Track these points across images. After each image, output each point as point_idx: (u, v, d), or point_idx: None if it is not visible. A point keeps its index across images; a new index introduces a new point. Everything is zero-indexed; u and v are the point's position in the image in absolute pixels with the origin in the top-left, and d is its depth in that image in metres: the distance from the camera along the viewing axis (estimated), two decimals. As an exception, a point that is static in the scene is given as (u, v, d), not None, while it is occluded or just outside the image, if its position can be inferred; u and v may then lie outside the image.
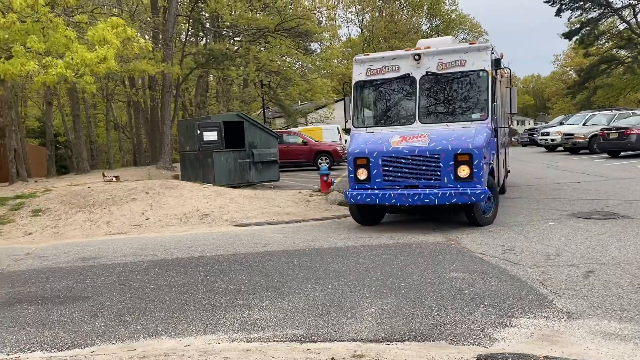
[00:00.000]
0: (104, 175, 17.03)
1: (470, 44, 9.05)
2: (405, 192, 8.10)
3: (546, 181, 13.59)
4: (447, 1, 48.13)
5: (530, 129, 33.63)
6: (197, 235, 9.16)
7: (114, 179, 15.63)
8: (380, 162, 8.32)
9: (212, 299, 5.47)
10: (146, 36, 21.11)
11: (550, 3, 37.60)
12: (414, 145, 8.24)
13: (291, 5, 22.31)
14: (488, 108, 8.48)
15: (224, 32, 25.50)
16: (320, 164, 20.52)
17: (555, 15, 37.72)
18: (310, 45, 28.34)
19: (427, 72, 8.82)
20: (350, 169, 8.49)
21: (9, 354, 4.29)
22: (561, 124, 26.86)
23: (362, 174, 8.37)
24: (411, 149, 8.22)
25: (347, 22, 48.54)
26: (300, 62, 26.81)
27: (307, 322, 4.64)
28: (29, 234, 9.91)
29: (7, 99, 15.65)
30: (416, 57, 8.82)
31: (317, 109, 36.67)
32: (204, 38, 30.93)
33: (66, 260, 7.69)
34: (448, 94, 8.82)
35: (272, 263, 6.89)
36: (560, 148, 23.84)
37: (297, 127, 28.81)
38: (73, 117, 24.55)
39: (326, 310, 4.92)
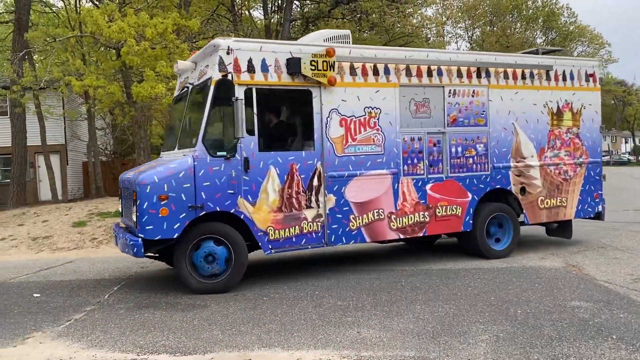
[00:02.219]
0: None
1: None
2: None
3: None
4: (565, 13, 45.82)
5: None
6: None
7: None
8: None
9: (321, 314, 5.59)
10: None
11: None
12: (126, 177, 7.32)
13: (399, 23, 22.48)
14: (200, 131, 6.59)
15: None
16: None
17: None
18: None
19: (188, 85, 7.54)
20: None
21: (139, 355, 4.59)
22: None
23: None
24: (124, 180, 7.45)
25: (456, 38, 47.81)
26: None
27: (418, 344, 4.62)
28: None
29: (138, 119, 17.16)
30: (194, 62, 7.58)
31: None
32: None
33: None
34: (197, 111, 7.16)
35: (380, 282, 6.93)
36: None
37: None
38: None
39: (437, 333, 4.88)
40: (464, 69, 8.06)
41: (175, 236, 6.44)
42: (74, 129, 25.77)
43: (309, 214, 7.07)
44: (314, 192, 7.10)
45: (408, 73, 7.67)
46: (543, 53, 9.25)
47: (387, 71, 7.53)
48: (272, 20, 23.45)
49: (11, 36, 19.92)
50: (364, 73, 7.40)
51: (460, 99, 8.05)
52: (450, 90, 7.97)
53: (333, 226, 7.21)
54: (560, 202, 8.80)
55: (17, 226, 12.98)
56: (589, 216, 9.24)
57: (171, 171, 6.48)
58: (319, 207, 7.12)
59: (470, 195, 8.12)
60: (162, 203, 6.37)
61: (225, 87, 6.64)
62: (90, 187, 23.30)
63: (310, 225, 7.08)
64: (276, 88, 6.94)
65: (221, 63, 6.62)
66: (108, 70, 15.89)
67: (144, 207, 6.35)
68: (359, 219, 7.36)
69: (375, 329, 5.08)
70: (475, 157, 8.17)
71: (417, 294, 6.30)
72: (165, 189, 6.39)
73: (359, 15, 21.57)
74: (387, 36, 23.10)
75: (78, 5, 20.81)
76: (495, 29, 43.91)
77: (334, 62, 7.11)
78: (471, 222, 8.14)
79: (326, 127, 7.16)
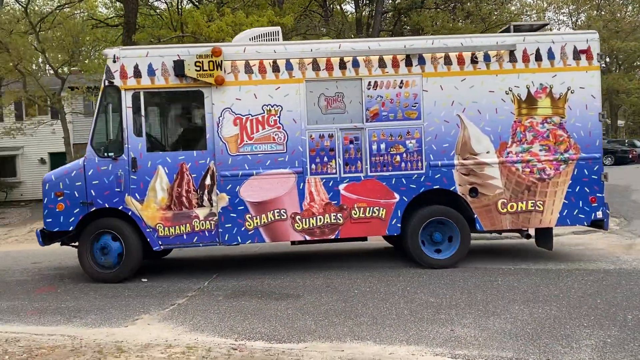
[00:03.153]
0: None
1: None
2: None
3: None
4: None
5: None
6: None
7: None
8: None
9: (413, 310, 5.56)
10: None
11: None
12: None
13: (496, 11, 20.17)
14: (89, 134, 7.22)
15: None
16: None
17: None
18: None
19: None
20: None
21: (236, 340, 4.86)
22: None
23: None
24: None
25: (559, 24, 41.10)
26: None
27: (516, 345, 4.51)
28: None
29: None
30: None
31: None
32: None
33: (280, 257, 8.73)
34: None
35: (474, 280, 6.74)
36: None
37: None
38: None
39: (537, 335, 4.74)
40: (388, 58, 7.29)
41: (70, 229, 7.19)
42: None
43: (201, 212, 7.21)
44: (206, 191, 7.21)
45: (315, 67, 7.25)
46: (515, 30, 7.80)
47: (289, 67, 7.23)
48: (364, 14, 23.07)
49: (121, 39, 21.66)
50: (262, 70, 7.23)
51: (384, 91, 7.30)
52: (369, 82, 7.29)
53: (226, 225, 7.23)
54: (532, 207, 7.38)
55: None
56: (581, 224, 7.55)
57: (65, 171, 7.27)
58: (212, 205, 7.21)
59: (397, 196, 7.33)
60: (58, 199, 7.18)
61: (111, 93, 7.18)
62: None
63: (202, 224, 7.21)
64: (164, 91, 7.24)
65: (108, 71, 7.16)
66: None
67: (45, 202, 7.25)
68: (256, 218, 7.24)
69: (470, 327, 4.99)
70: (405, 155, 7.33)
71: (514, 293, 6.07)
72: (61, 187, 7.18)
73: (453, 5, 20.08)
74: (483, 25, 21.01)
75: (180, 7, 22.12)
76: (602, 13, 37.02)
77: (221, 61, 7.11)
78: (399, 225, 7.35)
79: (218, 126, 7.20)
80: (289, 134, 7.26)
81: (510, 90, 7.39)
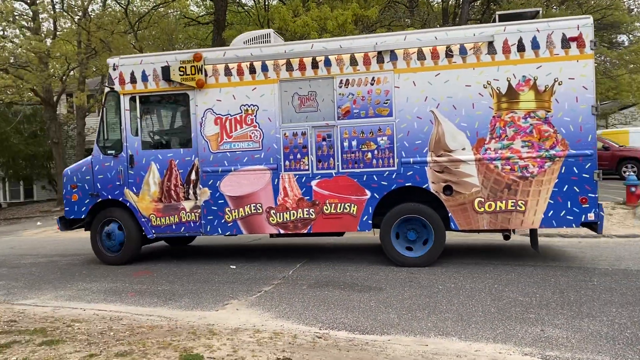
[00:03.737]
0: None
1: None
2: None
3: None
4: None
5: None
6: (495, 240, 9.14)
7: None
8: None
9: (501, 308, 5.39)
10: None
11: None
12: None
13: None
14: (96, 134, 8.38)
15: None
16: (625, 172, 17.40)
17: None
18: (616, 37, 22.13)
19: None
20: None
21: (320, 329, 4.94)
22: None
23: None
24: None
25: None
26: (602, 57, 21.20)
27: (613, 349, 4.23)
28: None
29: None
30: None
31: (621, 109, 29.14)
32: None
33: (361, 252, 8.73)
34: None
35: (567, 280, 6.47)
36: None
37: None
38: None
39: (637, 340, 4.42)
40: (359, 56, 7.34)
41: (82, 217, 8.30)
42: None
43: (187, 205, 7.90)
44: (192, 186, 7.88)
45: (289, 67, 7.54)
46: (502, 19, 7.34)
47: (264, 68, 7.61)
48: (450, 3, 22.03)
49: (211, 36, 22.02)
50: (240, 72, 7.68)
51: (356, 89, 7.37)
52: (341, 80, 7.40)
53: (208, 217, 7.84)
54: (513, 206, 7.01)
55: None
56: (569, 226, 7.00)
57: (78, 166, 8.38)
58: (196, 199, 7.87)
59: (368, 193, 7.39)
60: (73, 191, 8.33)
61: (112, 98, 8.12)
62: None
63: (188, 215, 7.90)
64: (155, 94, 8.00)
65: (109, 78, 8.11)
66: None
67: (64, 192, 8.43)
68: (234, 211, 7.75)
69: (561, 328, 4.75)
70: (376, 152, 7.35)
71: (612, 295, 5.73)
72: (75, 180, 8.33)
73: (547, -10, 18.43)
74: (580, 10, 18.92)
75: (267, 3, 22.50)
76: None
77: (202, 65, 7.68)
78: (370, 222, 7.41)
79: (201, 126, 7.81)
80: (265, 132, 7.64)
81: (489, 84, 7.04)
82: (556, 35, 6.88)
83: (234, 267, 7.85)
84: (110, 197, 8.17)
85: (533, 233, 7.41)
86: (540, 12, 7.31)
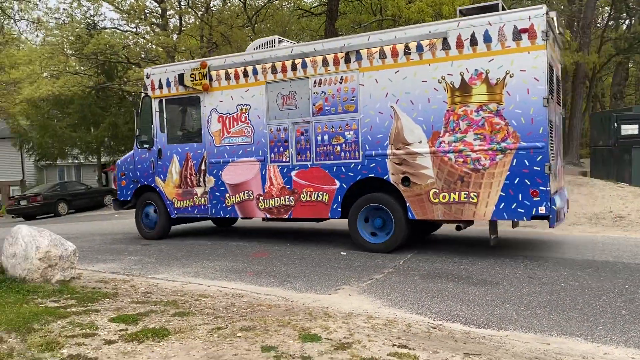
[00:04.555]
0: None
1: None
2: None
3: None
4: None
5: None
6: (610, 239, 8.74)
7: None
8: None
9: (633, 310, 5.01)
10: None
11: None
12: None
13: None
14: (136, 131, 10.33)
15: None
16: None
17: None
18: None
19: None
20: None
21: (434, 320, 4.85)
22: None
23: None
24: None
25: None
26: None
27: None
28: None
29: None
30: None
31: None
32: (627, 20, 24.41)
33: (475, 244, 8.43)
34: None
35: None
36: None
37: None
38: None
39: None
40: (330, 57, 8.03)
41: (129, 199, 10.19)
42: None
43: (199, 190, 9.32)
44: (202, 175, 9.28)
45: (274, 70, 8.50)
46: (462, 14, 7.43)
47: (255, 72, 8.67)
48: None
49: (323, 26, 22.09)
50: (236, 76, 8.85)
51: (327, 88, 8.08)
52: (315, 80, 8.16)
53: (213, 201, 9.17)
54: (465, 198, 7.21)
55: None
56: (520, 219, 6.98)
57: (125, 158, 10.30)
58: (205, 186, 9.25)
59: (338, 183, 8.08)
60: (122, 177, 10.27)
61: (146, 102, 9.82)
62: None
63: (199, 200, 9.32)
64: (176, 97, 9.53)
65: (144, 85, 9.84)
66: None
67: (117, 179, 10.40)
68: (232, 197, 8.98)
69: None
70: (344, 145, 8.00)
71: None
72: (123, 169, 10.24)
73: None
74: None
75: None
76: None
77: (207, 72, 8.99)
78: (339, 210, 8.09)
79: (208, 123, 9.15)
80: (255, 128, 8.72)
81: (444, 79, 7.27)
82: (508, 28, 6.87)
83: (344, 253, 7.97)
84: (146, 183, 9.94)
85: (492, 225, 7.43)
86: (501, 4, 7.26)
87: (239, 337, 4.08)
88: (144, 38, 23.99)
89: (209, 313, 4.82)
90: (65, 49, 23.63)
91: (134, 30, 24.72)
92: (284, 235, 10.12)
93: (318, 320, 4.59)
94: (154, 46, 23.73)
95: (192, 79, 9.18)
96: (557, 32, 7.93)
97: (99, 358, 3.66)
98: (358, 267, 7.07)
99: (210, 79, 9.07)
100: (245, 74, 8.77)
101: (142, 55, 23.87)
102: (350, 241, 8.35)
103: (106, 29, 25.19)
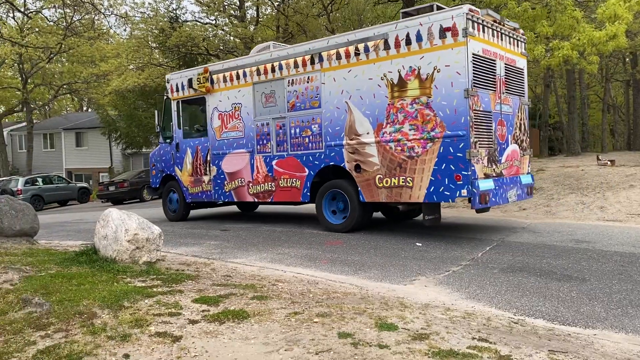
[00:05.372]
0: (598, 159, 16.73)
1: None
2: None
3: None
4: None
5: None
6: None
7: (608, 162, 15.42)
8: None
9: None
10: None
11: None
12: None
13: None
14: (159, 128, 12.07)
15: None
16: None
17: None
18: None
19: None
20: None
21: (515, 315, 4.69)
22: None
23: None
24: None
25: None
26: None
27: None
28: (523, 209, 11.20)
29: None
30: None
31: None
32: None
33: (559, 239, 8.01)
34: None
35: None
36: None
37: None
38: (568, 98, 24.41)
39: None
40: (299, 60, 9.16)
41: (157, 186, 12.04)
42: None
43: (206, 179, 10.89)
44: (208, 165, 10.83)
45: (258, 73, 9.79)
46: (404, 16, 8.18)
47: (244, 74, 10.02)
48: None
49: (399, 15, 22.23)
50: (231, 79, 10.26)
51: (298, 87, 9.22)
52: (289, 80, 9.33)
53: (216, 188, 10.69)
54: (403, 182, 8.04)
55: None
56: (447, 201, 7.69)
57: (155, 151, 12.11)
58: (210, 174, 10.79)
59: (307, 170, 9.21)
60: (152, 167, 12.14)
61: (167, 103, 11.56)
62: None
63: (206, 186, 10.89)
64: (188, 98, 11.14)
65: (165, 89, 11.57)
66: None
67: (150, 169, 12.29)
68: (230, 184, 10.42)
69: None
70: (311, 137, 9.10)
71: None
72: (153, 160, 12.12)
73: None
74: None
75: None
76: None
77: (209, 76, 10.50)
78: (309, 194, 9.22)
79: (211, 120, 10.65)
80: (245, 124, 10.07)
81: (385, 76, 8.13)
82: (435, 27, 7.59)
83: (420, 244, 7.91)
84: (168, 172, 11.71)
85: (427, 207, 8.08)
86: (435, 5, 7.93)
87: (316, 322, 4.08)
88: (222, 30, 24.48)
89: (286, 298, 4.86)
90: (149, 42, 24.61)
91: (214, 22, 25.23)
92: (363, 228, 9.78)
93: (394, 310, 4.54)
94: (232, 38, 23.95)
95: (198, 82, 10.75)
96: (511, 26, 8.43)
97: (183, 336, 3.75)
98: (434, 258, 6.99)
99: (212, 82, 10.57)
100: (238, 77, 10.16)
101: (221, 47, 24.10)
102: (427, 232, 8.71)
103: (187, 21, 25.62)
